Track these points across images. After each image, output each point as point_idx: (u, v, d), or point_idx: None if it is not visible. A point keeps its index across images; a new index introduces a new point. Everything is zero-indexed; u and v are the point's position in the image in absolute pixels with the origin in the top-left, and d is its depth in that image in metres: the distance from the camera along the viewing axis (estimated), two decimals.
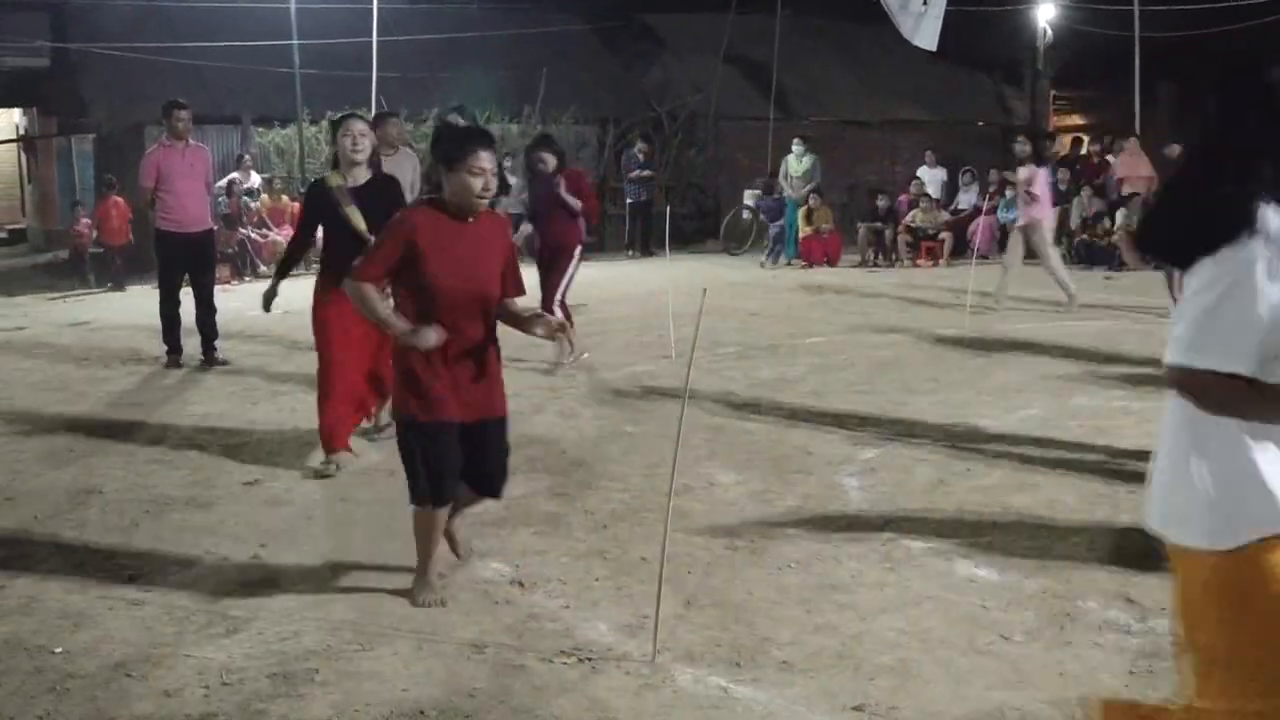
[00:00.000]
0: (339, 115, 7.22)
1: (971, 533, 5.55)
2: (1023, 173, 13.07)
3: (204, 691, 4.00)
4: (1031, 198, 12.97)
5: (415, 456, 4.62)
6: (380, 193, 6.64)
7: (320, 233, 6.92)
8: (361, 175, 6.72)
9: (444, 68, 21.65)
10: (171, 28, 20.50)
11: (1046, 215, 13.30)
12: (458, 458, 4.68)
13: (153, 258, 10.86)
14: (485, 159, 4.56)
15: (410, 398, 4.61)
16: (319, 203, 6.73)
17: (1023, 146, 13.31)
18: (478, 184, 4.56)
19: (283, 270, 7.01)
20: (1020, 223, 13.44)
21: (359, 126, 6.74)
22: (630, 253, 20.93)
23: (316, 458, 6.96)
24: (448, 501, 4.75)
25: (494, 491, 4.94)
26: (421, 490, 4.66)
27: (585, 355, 10.09)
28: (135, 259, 17.11)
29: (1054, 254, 13.63)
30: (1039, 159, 13.57)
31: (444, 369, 4.59)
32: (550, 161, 9.81)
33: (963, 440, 7.31)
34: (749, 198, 20.88)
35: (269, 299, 7.05)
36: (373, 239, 5.66)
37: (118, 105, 20.04)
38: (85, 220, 18.49)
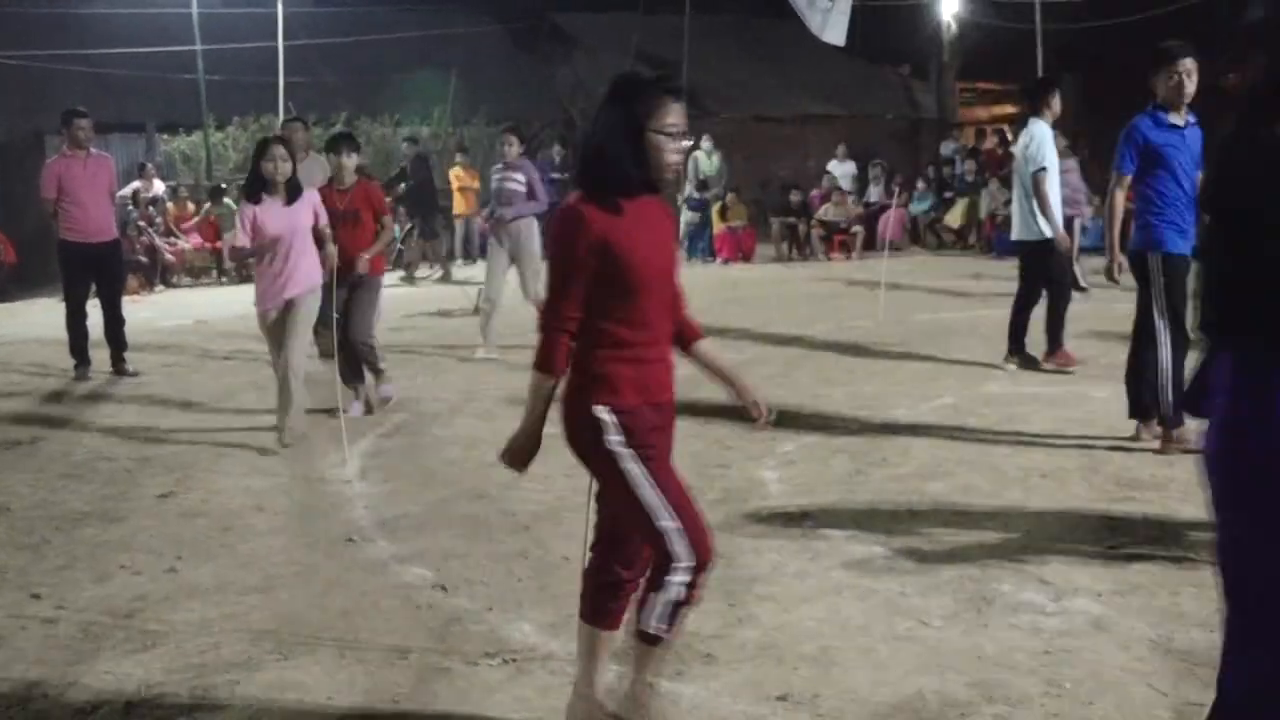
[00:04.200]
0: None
1: (888, 521, 5.63)
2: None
3: (122, 708, 3.94)
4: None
5: None
6: None
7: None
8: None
9: (353, 72, 21.47)
10: (71, 34, 20.11)
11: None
12: None
13: (57, 270, 10.64)
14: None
15: None
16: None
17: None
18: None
19: None
20: None
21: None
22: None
23: (228, 468, 6.88)
24: None
25: None
26: None
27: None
28: (41, 271, 16.75)
29: None
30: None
31: None
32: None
33: (878, 430, 7.41)
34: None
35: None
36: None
37: (16, 114, 19.62)
38: None
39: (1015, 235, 9.29)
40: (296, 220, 7.37)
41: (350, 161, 8.35)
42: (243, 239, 7.38)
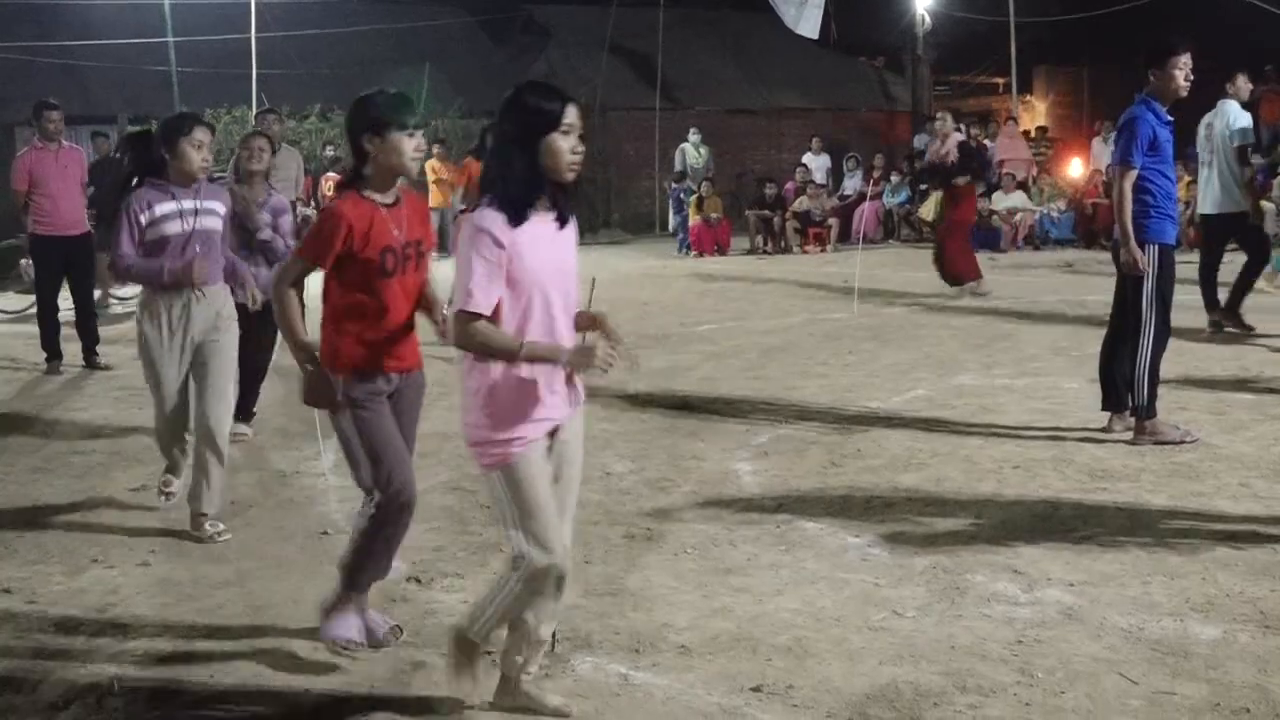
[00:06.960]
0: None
1: (862, 512, 5.65)
2: None
3: (95, 702, 3.92)
4: None
5: None
6: None
7: None
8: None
9: (327, 64, 21.37)
10: (42, 25, 19.92)
11: None
12: None
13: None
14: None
15: None
16: None
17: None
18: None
19: None
20: None
21: None
22: None
23: None
24: None
25: None
26: None
27: None
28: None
29: None
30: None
31: None
32: None
33: (852, 422, 7.43)
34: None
35: None
36: None
37: None
38: None
39: (1217, 209, 9.94)
40: (572, 259, 3.72)
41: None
42: (493, 294, 3.47)
